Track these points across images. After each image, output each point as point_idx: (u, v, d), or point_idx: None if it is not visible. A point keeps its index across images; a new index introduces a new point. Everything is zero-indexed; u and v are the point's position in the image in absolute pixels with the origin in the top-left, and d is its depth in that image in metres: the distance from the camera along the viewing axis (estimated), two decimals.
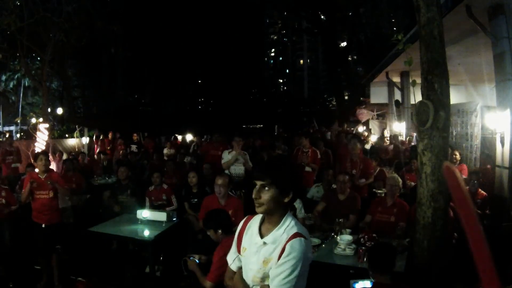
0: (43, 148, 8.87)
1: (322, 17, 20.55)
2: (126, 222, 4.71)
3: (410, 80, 3.55)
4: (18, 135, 20.61)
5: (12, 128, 24.75)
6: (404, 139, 10.17)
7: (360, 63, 26.72)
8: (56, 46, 12.02)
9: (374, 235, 3.48)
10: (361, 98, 17.19)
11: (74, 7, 11.03)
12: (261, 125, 17.59)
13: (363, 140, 8.77)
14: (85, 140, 12.64)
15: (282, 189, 1.57)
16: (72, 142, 13.24)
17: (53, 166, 7.50)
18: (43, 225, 4.31)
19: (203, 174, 6.19)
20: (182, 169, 7.34)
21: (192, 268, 3.06)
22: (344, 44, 24.34)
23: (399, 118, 11.72)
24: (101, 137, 11.61)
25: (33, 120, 14.51)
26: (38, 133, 9.37)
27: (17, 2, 10.00)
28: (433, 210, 3.05)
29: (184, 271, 3.24)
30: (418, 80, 3.22)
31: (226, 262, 1.84)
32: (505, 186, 4.78)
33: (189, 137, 12.59)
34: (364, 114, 14.25)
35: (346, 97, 24.06)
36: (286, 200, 1.59)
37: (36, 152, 6.79)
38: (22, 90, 26.07)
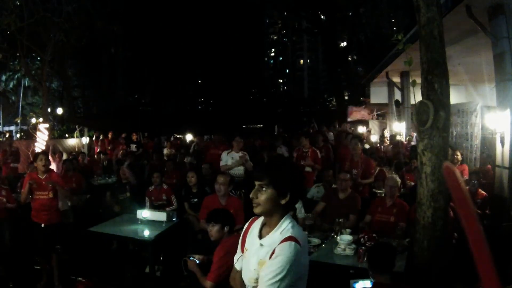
0: (43, 148, 8.87)
1: (322, 17, 20.55)
2: (126, 222, 4.71)
3: (410, 80, 3.55)
4: (18, 135, 20.60)
5: (12, 128, 24.76)
6: (403, 139, 10.17)
7: (360, 63, 26.73)
8: (56, 46, 12.05)
9: (374, 235, 3.49)
10: (361, 98, 17.21)
11: (74, 7, 11.04)
12: (261, 125, 17.59)
13: (363, 140, 8.76)
14: (85, 140, 12.63)
15: (279, 190, 1.55)
16: (72, 142, 13.24)
17: (53, 166, 7.49)
18: (43, 225, 4.30)
19: (202, 174, 6.20)
20: (182, 169, 7.34)
21: (192, 268, 3.06)
22: (344, 44, 24.35)
23: (399, 118, 11.70)
24: (101, 137, 11.62)
25: (33, 120, 14.53)
26: (38, 133, 9.35)
27: (17, 2, 10.01)
28: (433, 210, 3.05)
29: (184, 271, 3.24)
30: (418, 80, 3.22)
31: (226, 262, 1.84)
32: (505, 186, 4.77)
33: (189, 137, 12.59)
34: (358, 113, 14.21)
35: (346, 97, 24.09)
36: (283, 201, 1.56)
37: (36, 152, 6.79)
38: (22, 90, 26.05)
